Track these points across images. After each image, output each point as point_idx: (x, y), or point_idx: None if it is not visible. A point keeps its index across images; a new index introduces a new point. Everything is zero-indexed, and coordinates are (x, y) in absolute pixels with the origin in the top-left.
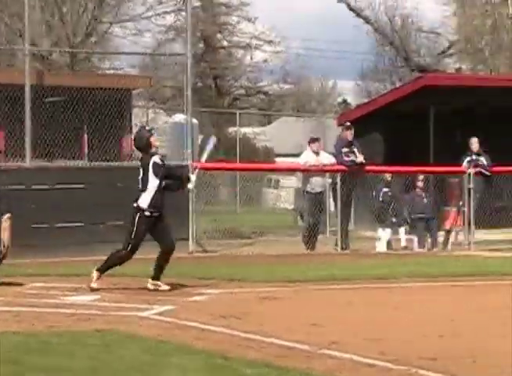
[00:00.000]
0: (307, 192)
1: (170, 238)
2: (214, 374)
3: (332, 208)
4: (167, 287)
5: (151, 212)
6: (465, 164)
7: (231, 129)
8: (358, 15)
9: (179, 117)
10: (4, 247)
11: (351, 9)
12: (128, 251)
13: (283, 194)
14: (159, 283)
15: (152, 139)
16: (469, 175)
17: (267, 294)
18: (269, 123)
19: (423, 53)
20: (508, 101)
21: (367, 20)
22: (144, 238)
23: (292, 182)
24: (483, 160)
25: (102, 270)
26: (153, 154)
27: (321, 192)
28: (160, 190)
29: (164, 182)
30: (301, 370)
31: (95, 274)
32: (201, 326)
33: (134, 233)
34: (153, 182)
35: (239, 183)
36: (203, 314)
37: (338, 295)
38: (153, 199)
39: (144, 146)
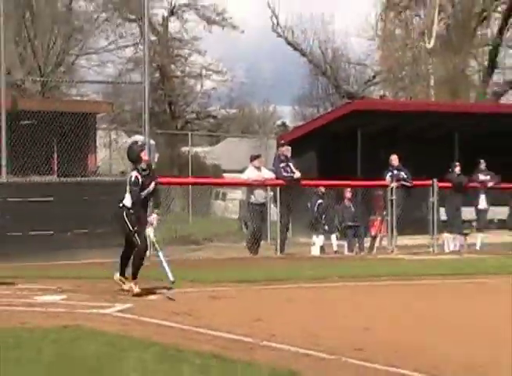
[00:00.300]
0: (250, 203)
1: (143, 241)
2: (168, 364)
3: (274, 217)
4: (127, 287)
5: (133, 209)
6: (388, 178)
7: (183, 148)
8: (295, 48)
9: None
10: None
11: (289, 43)
12: (140, 244)
13: (230, 205)
14: (123, 279)
15: (142, 154)
16: (391, 188)
17: (215, 293)
18: (217, 143)
19: (351, 82)
20: (425, 123)
21: (303, 53)
22: (143, 226)
23: (237, 194)
24: (403, 174)
25: (134, 276)
26: (134, 169)
27: (263, 203)
28: (135, 200)
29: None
30: (245, 361)
31: (132, 284)
32: (157, 322)
33: (130, 226)
34: (128, 195)
35: (191, 196)
36: (159, 311)
37: (278, 294)
38: (133, 202)
39: (134, 158)
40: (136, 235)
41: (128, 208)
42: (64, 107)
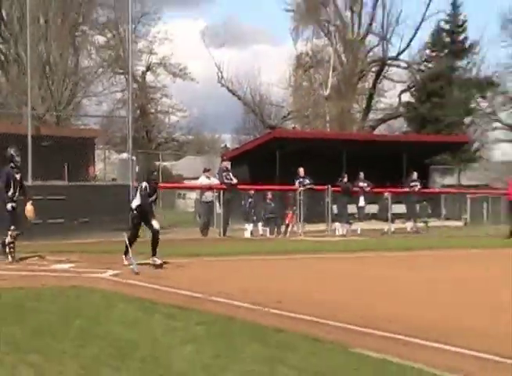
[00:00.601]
0: (202, 201)
1: (154, 226)
2: (144, 312)
3: (218, 211)
4: (159, 261)
5: (136, 211)
6: (297, 184)
7: (156, 163)
8: (234, 94)
9: (124, 155)
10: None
11: (229, 90)
12: (129, 235)
13: (188, 202)
14: (155, 258)
15: (152, 181)
16: (299, 191)
17: (179, 263)
18: (180, 159)
19: (272, 117)
20: (323, 146)
21: (238, 97)
22: (138, 226)
23: (193, 195)
24: (307, 181)
25: (125, 253)
26: (144, 181)
27: (211, 201)
28: (142, 202)
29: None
30: (199, 310)
31: (123, 257)
32: (138, 283)
33: (130, 223)
34: (137, 197)
35: (161, 196)
36: (139, 276)
37: (223, 264)
38: (138, 204)
39: (146, 179)
40: (131, 231)
41: (133, 210)
42: (72, 133)
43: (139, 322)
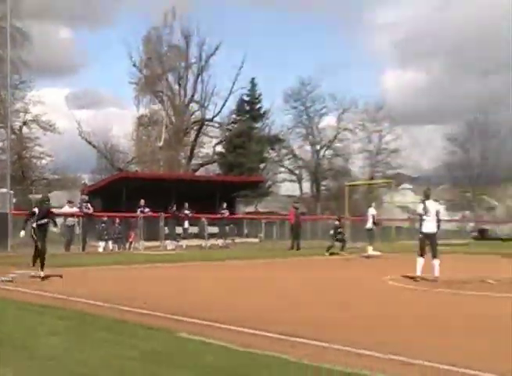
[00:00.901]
0: (66, 225)
1: (43, 246)
2: (18, 311)
3: (78, 232)
4: (43, 274)
5: (32, 231)
6: (138, 212)
7: (30, 195)
8: (90, 143)
9: (4, 190)
10: None
11: (87, 141)
12: (41, 249)
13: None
14: (41, 272)
15: (43, 203)
16: (140, 217)
17: (59, 272)
18: (49, 193)
19: (120, 162)
20: (158, 184)
21: (94, 146)
22: (40, 240)
23: (60, 220)
24: (147, 209)
25: (40, 266)
26: (36, 207)
27: (73, 225)
28: (35, 225)
29: (39, 221)
30: (62, 308)
31: (41, 271)
32: (20, 289)
33: (35, 239)
34: (32, 220)
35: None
36: (13, 283)
37: (83, 273)
38: (33, 226)
39: (39, 203)
40: (39, 243)
41: (34, 229)
42: None
43: (13, 318)
